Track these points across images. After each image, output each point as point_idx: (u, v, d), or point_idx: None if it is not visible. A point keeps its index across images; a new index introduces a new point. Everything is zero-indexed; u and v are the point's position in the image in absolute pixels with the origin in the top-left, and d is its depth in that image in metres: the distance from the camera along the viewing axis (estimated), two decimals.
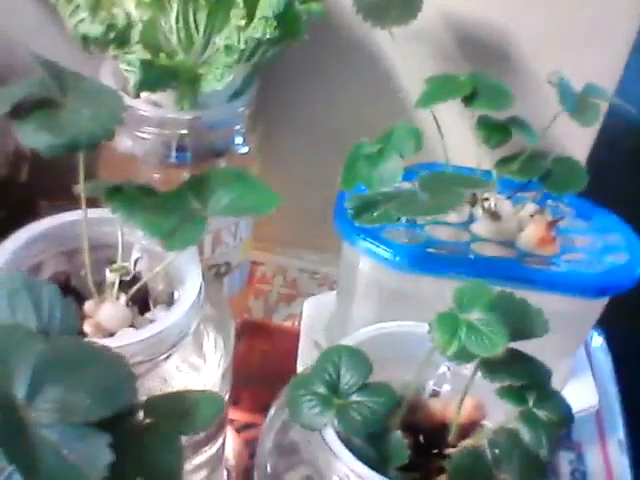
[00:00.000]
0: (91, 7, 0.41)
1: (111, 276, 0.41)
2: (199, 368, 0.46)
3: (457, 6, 0.54)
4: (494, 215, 0.50)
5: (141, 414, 0.27)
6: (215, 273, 0.58)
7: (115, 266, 0.41)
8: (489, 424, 0.39)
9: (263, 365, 0.63)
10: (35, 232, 0.42)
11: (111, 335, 0.40)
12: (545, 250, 0.49)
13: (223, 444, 0.50)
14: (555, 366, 0.54)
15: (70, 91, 0.38)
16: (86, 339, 0.38)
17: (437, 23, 0.55)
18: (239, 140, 0.53)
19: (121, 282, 0.43)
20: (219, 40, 0.44)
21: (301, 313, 0.65)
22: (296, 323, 0.66)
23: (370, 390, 0.34)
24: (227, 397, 0.48)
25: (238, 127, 0.52)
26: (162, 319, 0.38)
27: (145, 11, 0.44)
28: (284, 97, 0.59)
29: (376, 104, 0.59)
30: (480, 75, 0.48)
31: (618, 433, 0.60)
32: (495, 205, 0.50)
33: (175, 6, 0.44)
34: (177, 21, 0.45)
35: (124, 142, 0.50)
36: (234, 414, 0.58)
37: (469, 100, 0.46)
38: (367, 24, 0.51)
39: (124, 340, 0.37)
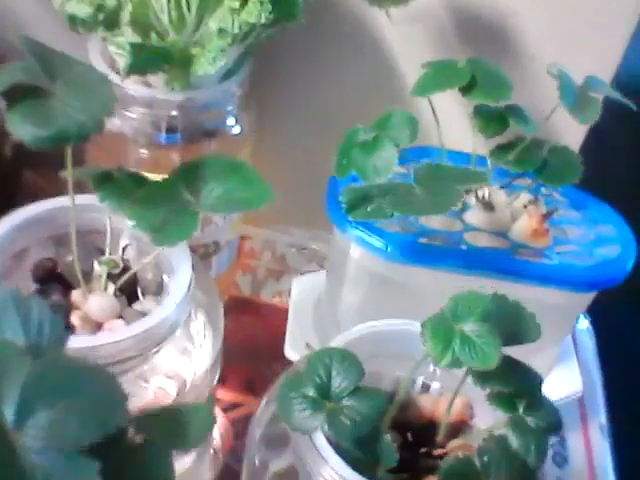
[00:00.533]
0: None
1: (99, 269, 0.40)
2: (189, 352, 0.45)
3: None
4: (487, 205, 0.49)
5: (132, 430, 0.26)
6: (203, 253, 0.57)
7: (104, 259, 0.40)
8: (477, 424, 0.40)
9: (250, 343, 0.62)
10: (21, 219, 0.41)
11: (99, 327, 0.40)
12: (538, 242, 0.49)
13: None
14: (542, 353, 0.55)
15: (59, 77, 0.37)
16: (73, 335, 0.38)
17: (436, 4, 0.53)
18: (231, 121, 0.51)
19: (109, 272, 0.42)
20: (212, 23, 0.42)
21: (289, 290, 0.65)
22: (284, 300, 0.66)
23: (361, 394, 0.34)
24: (216, 379, 0.48)
25: (230, 108, 0.51)
26: (153, 314, 0.38)
27: None
28: (277, 77, 0.58)
29: (371, 86, 0.58)
30: (479, 61, 0.47)
31: (600, 417, 0.61)
32: (489, 195, 0.50)
33: None
34: (169, 0, 0.43)
35: (113, 121, 0.49)
36: (220, 393, 0.58)
37: (467, 90, 0.45)
38: (364, 3, 0.50)
39: (114, 337, 0.36)
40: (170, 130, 0.49)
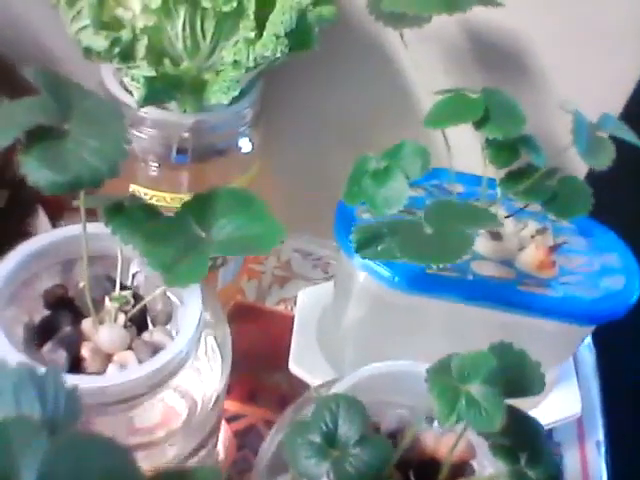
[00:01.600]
0: (94, 14, 0.39)
1: (110, 305, 0.40)
2: (199, 371, 0.46)
3: (473, 11, 0.51)
4: (495, 235, 0.50)
5: None
6: (210, 266, 0.57)
7: (115, 295, 0.41)
8: (479, 462, 0.40)
9: (254, 352, 0.63)
10: (34, 248, 0.41)
11: (109, 358, 0.41)
12: (543, 273, 0.49)
13: (216, 442, 0.51)
14: (545, 372, 0.55)
15: (73, 112, 0.37)
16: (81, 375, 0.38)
17: (451, 27, 0.53)
18: (242, 141, 0.51)
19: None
20: (227, 54, 0.42)
21: (294, 297, 0.66)
22: (289, 307, 0.66)
23: (367, 443, 0.34)
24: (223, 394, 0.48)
25: (241, 128, 0.51)
26: (164, 352, 0.38)
27: (151, 17, 0.42)
28: (287, 92, 0.57)
29: (382, 105, 0.57)
30: (493, 92, 0.47)
31: (597, 434, 0.62)
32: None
33: (182, 13, 0.42)
34: (184, 28, 0.43)
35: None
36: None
37: (480, 124, 0.45)
38: (378, 24, 0.49)
39: (125, 377, 0.37)
40: (181, 151, 0.49)
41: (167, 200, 0.51)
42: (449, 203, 0.44)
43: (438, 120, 0.46)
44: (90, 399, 0.37)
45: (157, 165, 0.50)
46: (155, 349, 0.41)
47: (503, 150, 0.47)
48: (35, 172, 0.34)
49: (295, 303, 0.63)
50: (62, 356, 0.38)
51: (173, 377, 0.40)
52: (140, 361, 0.40)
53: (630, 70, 0.54)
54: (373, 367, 0.40)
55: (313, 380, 0.55)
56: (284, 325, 0.62)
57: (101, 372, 0.39)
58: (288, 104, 0.59)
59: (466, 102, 0.46)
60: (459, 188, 0.54)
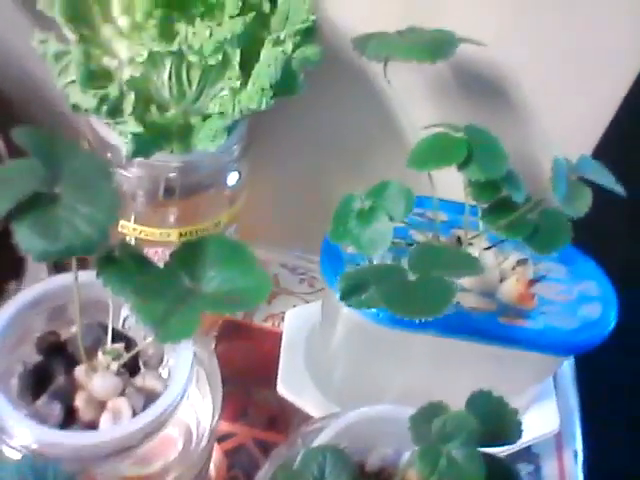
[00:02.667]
0: (82, 73, 0.39)
1: (103, 358, 0.41)
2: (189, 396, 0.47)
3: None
4: None
5: None
6: None
7: (108, 349, 0.42)
8: None
9: (243, 369, 0.64)
10: (27, 301, 0.42)
11: (102, 405, 0.42)
12: (523, 304, 0.51)
13: (209, 465, 0.53)
14: (524, 391, 0.57)
15: (63, 176, 0.37)
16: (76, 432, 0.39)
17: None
18: (230, 174, 0.52)
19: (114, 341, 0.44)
20: (213, 106, 0.43)
21: (281, 314, 0.67)
22: (276, 324, 0.68)
23: None
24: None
25: (229, 164, 0.51)
26: (158, 403, 0.40)
27: (137, 68, 0.42)
28: (276, 122, 0.58)
29: (366, 133, 0.58)
30: (476, 131, 0.48)
31: (574, 444, 0.64)
32: (479, 257, 0.51)
33: (168, 64, 0.42)
34: (170, 78, 0.43)
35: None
36: None
37: (462, 166, 0.46)
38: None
39: (120, 431, 0.38)
40: (168, 189, 0.50)
41: (157, 235, 0.52)
42: (433, 248, 0.45)
43: (421, 162, 0.47)
44: (85, 453, 0.38)
45: (145, 201, 0.50)
46: (148, 395, 0.42)
47: (485, 189, 0.49)
48: (28, 241, 0.35)
49: (283, 319, 0.64)
50: (57, 409, 0.40)
51: (167, 423, 0.41)
52: (134, 408, 0.41)
53: (612, 97, 0.55)
54: (358, 412, 0.42)
55: (301, 403, 0.57)
56: (272, 342, 0.63)
57: (95, 420, 0.41)
58: (277, 131, 0.59)
59: (449, 143, 0.47)
60: (442, 216, 0.55)
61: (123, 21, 0.45)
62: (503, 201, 0.50)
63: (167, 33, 0.45)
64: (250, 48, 0.45)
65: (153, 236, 0.52)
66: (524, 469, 0.62)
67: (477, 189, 0.49)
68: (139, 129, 0.41)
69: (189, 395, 0.46)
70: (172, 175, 0.49)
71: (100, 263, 0.41)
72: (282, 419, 0.61)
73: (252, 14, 0.44)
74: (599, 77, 0.53)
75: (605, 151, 0.55)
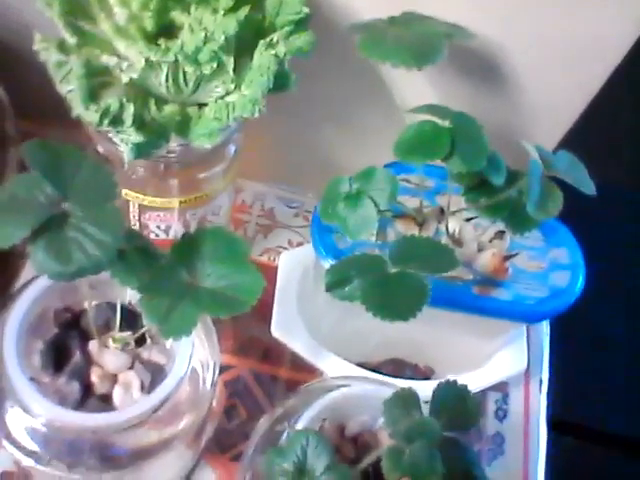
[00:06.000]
0: (84, 90, 0.41)
1: (114, 346, 0.46)
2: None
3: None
4: (457, 241, 0.55)
5: None
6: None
7: (117, 337, 0.46)
8: None
9: None
10: (45, 284, 0.46)
11: (114, 378, 0.47)
12: (497, 276, 0.55)
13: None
14: (496, 338, 0.63)
15: (70, 190, 0.40)
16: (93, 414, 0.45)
17: None
18: (229, 148, 0.55)
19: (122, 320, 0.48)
20: (209, 112, 0.45)
21: (277, 248, 0.72)
22: (272, 258, 0.72)
23: (331, 473, 0.42)
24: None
25: (227, 139, 0.53)
26: (162, 388, 0.45)
27: (135, 70, 0.44)
28: None
29: (357, 101, 0.60)
30: (462, 121, 0.50)
31: (541, 373, 0.71)
32: (459, 231, 0.55)
33: (165, 69, 0.44)
34: (167, 79, 0.45)
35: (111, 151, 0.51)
36: None
37: (445, 159, 0.49)
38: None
39: (135, 411, 0.44)
40: (167, 165, 0.52)
41: (158, 202, 0.55)
42: (413, 241, 0.48)
43: (407, 152, 0.49)
44: (102, 429, 0.44)
45: (146, 174, 0.53)
46: (154, 369, 0.48)
47: (467, 175, 0.51)
48: (43, 265, 0.38)
49: (278, 254, 0.69)
50: (76, 388, 0.45)
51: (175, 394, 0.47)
52: (142, 381, 0.47)
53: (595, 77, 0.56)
54: (339, 392, 0.47)
55: (294, 345, 0.63)
56: (268, 277, 0.68)
57: (108, 393, 0.47)
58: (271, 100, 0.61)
59: (434, 135, 0.49)
60: (428, 183, 0.58)
61: (120, 12, 0.46)
62: (484, 182, 0.53)
63: (163, 23, 0.46)
64: (244, 42, 0.46)
65: (155, 203, 0.55)
66: (493, 397, 0.69)
67: (459, 176, 0.51)
68: (140, 139, 0.43)
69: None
70: (172, 155, 0.51)
71: None
72: (275, 352, 0.67)
73: (246, 9, 0.45)
74: (582, 61, 0.54)
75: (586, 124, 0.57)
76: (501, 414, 0.69)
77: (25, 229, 0.38)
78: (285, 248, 0.73)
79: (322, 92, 0.62)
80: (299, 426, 0.45)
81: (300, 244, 0.73)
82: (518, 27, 0.54)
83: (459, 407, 0.44)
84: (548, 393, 0.70)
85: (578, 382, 0.76)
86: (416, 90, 0.59)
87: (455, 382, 0.44)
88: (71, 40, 0.44)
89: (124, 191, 0.55)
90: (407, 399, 0.44)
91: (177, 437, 0.49)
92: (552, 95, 0.57)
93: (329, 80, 0.60)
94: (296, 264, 0.66)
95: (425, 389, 0.45)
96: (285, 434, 0.45)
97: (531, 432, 0.68)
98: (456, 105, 0.51)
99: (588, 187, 0.48)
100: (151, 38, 0.44)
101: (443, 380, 0.45)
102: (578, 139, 0.60)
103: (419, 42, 0.46)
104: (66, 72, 0.43)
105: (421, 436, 0.40)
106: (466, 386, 0.45)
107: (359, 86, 0.60)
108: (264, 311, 0.65)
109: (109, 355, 0.47)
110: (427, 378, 0.67)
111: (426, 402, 0.44)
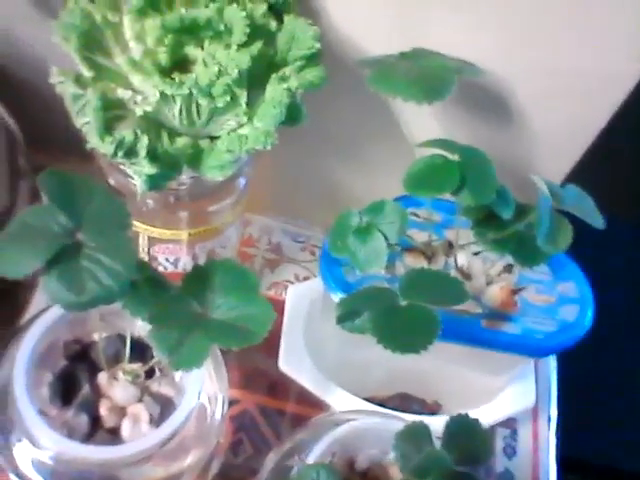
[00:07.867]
0: (99, 123, 0.41)
1: (124, 378, 0.46)
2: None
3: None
4: (466, 275, 0.55)
5: None
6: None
7: (127, 369, 0.46)
8: None
9: None
10: (56, 316, 0.46)
11: (122, 412, 0.47)
12: (506, 310, 0.55)
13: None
14: (504, 373, 0.63)
15: (83, 220, 0.40)
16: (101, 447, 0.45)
17: None
18: (239, 180, 0.55)
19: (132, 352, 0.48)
20: (221, 145, 0.45)
21: (284, 282, 0.72)
22: (279, 292, 0.72)
23: None
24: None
25: (238, 172, 0.54)
26: (171, 421, 0.45)
27: (150, 104, 0.45)
28: None
29: (365, 133, 0.61)
30: (471, 155, 0.50)
31: (549, 410, 0.70)
32: (467, 264, 0.55)
33: (179, 102, 0.45)
34: (180, 112, 0.45)
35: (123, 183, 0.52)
36: None
37: (455, 192, 0.49)
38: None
39: (143, 444, 0.44)
40: (178, 197, 0.53)
41: (167, 235, 0.55)
42: (423, 274, 0.48)
43: (417, 186, 0.50)
44: (110, 463, 0.44)
45: (156, 206, 0.54)
46: (163, 402, 0.47)
47: (475, 209, 0.52)
48: (57, 294, 0.38)
49: (285, 288, 0.69)
50: (84, 420, 0.45)
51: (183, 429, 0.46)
52: (151, 414, 0.47)
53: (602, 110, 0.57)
54: (348, 425, 0.47)
55: (300, 379, 0.62)
56: (275, 310, 0.68)
57: (117, 426, 0.46)
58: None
59: (443, 168, 0.50)
60: (436, 217, 0.58)
61: (135, 47, 0.47)
62: (493, 215, 0.53)
63: (177, 58, 0.47)
64: (256, 75, 0.47)
65: (164, 235, 0.55)
66: (501, 433, 0.69)
67: (468, 210, 0.52)
68: (153, 170, 0.43)
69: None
70: (182, 187, 0.52)
71: None
72: (282, 386, 0.67)
73: (259, 44, 0.46)
74: (589, 96, 0.55)
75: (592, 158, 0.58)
76: (510, 451, 0.68)
77: (39, 259, 0.38)
78: (292, 282, 0.73)
79: (331, 126, 0.62)
80: (309, 460, 0.45)
81: (306, 278, 0.73)
82: (526, 63, 0.54)
83: (471, 441, 0.44)
84: (557, 430, 0.70)
85: (587, 418, 0.76)
86: (425, 124, 0.59)
87: (467, 415, 0.44)
88: (87, 74, 0.44)
89: (134, 223, 0.55)
90: (419, 433, 0.44)
91: (184, 472, 0.49)
92: (559, 129, 0.57)
93: (339, 114, 0.61)
94: (303, 297, 0.66)
95: (433, 424, 0.45)
96: (295, 469, 0.45)
97: (541, 470, 0.68)
98: (464, 139, 0.51)
99: (597, 220, 0.48)
100: (165, 72, 0.45)
101: (455, 414, 0.44)
102: (585, 173, 0.60)
103: (429, 77, 0.47)
104: (82, 105, 0.43)
105: (433, 471, 0.40)
106: (478, 420, 0.44)
107: (369, 120, 0.61)
108: (270, 344, 0.65)
109: (118, 388, 0.47)
110: (434, 413, 0.67)
111: (435, 437, 0.44)
